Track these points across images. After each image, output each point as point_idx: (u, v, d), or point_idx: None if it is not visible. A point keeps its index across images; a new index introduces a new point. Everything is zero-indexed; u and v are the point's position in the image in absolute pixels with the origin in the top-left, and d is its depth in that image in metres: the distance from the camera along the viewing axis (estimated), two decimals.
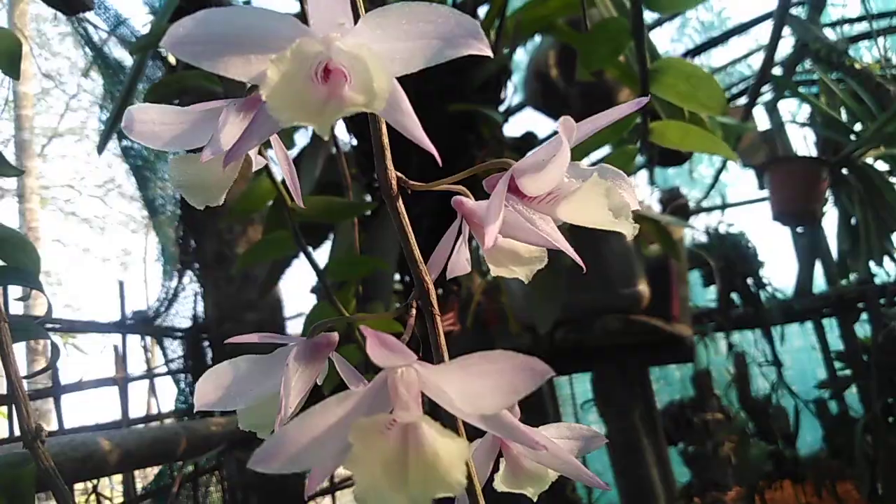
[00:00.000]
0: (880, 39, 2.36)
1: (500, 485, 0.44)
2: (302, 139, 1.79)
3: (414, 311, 0.38)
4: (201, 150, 0.39)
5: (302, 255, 1.10)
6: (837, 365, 2.86)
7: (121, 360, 1.76)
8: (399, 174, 0.38)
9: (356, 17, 0.34)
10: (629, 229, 0.37)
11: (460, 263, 0.46)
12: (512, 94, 2.09)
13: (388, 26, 0.33)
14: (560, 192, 0.37)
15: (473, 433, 0.39)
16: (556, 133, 0.37)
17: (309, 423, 0.31)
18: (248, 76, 0.33)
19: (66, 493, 0.47)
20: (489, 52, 0.32)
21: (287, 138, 0.43)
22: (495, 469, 0.45)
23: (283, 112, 0.30)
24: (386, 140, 0.37)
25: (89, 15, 1.87)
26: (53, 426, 1.37)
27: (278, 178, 1.07)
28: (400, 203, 0.37)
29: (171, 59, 1.86)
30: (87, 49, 2.04)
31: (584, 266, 0.39)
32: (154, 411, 1.85)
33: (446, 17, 0.32)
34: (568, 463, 0.42)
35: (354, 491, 0.30)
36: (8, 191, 9.00)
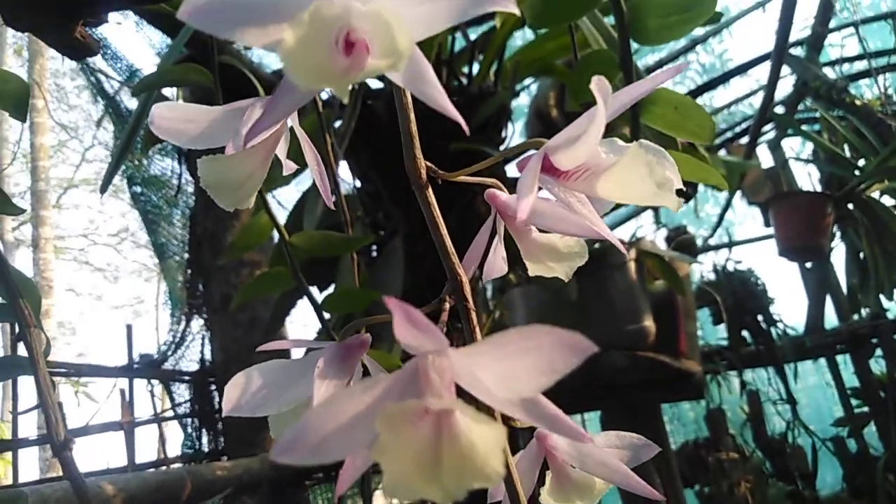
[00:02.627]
0: (880, 77, 2.38)
1: (546, 499, 0.42)
2: (306, 181, 1.80)
3: (447, 307, 0.36)
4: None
5: (306, 298, 1.09)
6: (854, 402, 2.81)
7: (127, 404, 1.74)
8: (428, 164, 0.37)
9: None
10: (674, 202, 0.35)
11: (497, 264, 0.43)
12: (513, 135, 2.11)
13: None
14: (597, 166, 0.36)
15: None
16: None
17: (334, 411, 0.29)
18: (267, 42, 0.31)
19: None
20: (515, 10, 0.30)
21: (297, 155, 0.42)
22: (541, 483, 0.42)
23: (302, 75, 0.29)
24: (414, 128, 0.36)
25: (103, 66, 1.91)
26: (59, 473, 1.35)
27: (278, 217, 1.08)
28: (430, 192, 0.36)
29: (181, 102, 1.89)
30: (100, 99, 2.08)
31: (623, 251, 0.38)
32: (164, 456, 1.82)
33: None
34: (616, 471, 0.40)
35: (384, 483, 0.28)
36: (22, 241, 9.11)
